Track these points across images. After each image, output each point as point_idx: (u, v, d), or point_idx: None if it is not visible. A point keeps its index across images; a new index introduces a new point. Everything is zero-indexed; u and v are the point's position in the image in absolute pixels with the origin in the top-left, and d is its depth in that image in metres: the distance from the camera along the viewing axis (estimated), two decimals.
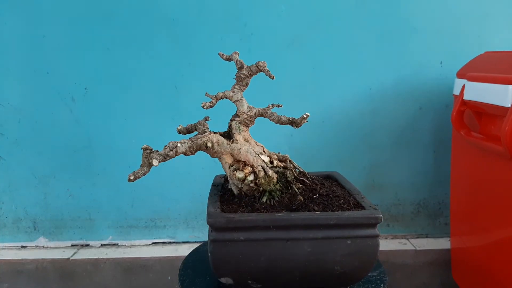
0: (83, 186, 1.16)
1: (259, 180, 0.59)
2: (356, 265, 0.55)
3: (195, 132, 0.65)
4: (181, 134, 0.67)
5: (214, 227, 0.54)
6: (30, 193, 1.16)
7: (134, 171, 0.54)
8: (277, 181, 0.61)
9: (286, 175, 0.62)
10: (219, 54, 0.66)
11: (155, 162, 0.54)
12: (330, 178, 0.74)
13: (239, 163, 0.61)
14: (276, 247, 0.54)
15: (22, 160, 1.14)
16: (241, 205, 0.59)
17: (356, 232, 0.54)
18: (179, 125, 0.67)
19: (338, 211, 0.56)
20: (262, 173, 0.60)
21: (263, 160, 0.61)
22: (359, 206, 0.58)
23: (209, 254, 0.54)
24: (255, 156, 0.61)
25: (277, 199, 0.59)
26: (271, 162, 0.63)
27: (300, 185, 0.62)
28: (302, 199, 0.59)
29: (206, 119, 0.66)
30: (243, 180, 0.60)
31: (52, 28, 1.07)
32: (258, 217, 0.54)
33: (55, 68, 1.09)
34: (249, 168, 0.60)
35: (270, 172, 0.60)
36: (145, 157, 0.55)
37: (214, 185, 0.70)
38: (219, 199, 0.62)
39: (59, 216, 1.17)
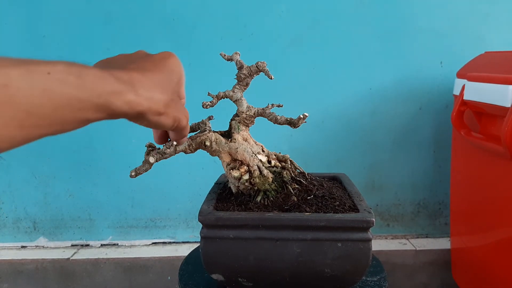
0: (83, 186, 1.16)
1: (253, 180, 0.59)
2: (348, 269, 0.54)
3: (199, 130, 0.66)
4: None
5: (204, 224, 0.55)
6: (30, 193, 1.16)
7: (136, 168, 0.55)
8: (272, 181, 0.60)
9: (283, 175, 0.62)
10: (220, 54, 0.66)
11: (151, 159, 0.56)
12: (335, 179, 0.74)
13: (236, 162, 0.61)
14: (265, 247, 0.54)
15: (22, 160, 1.14)
16: (236, 204, 0.59)
17: (347, 235, 0.53)
18: None
19: (330, 213, 0.56)
20: (257, 172, 0.60)
21: (260, 160, 0.61)
22: (354, 208, 0.58)
23: (200, 250, 0.55)
24: (252, 156, 0.61)
25: (271, 199, 0.59)
26: (269, 162, 0.63)
27: (296, 186, 0.62)
28: (296, 199, 0.59)
29: (210, 118, 0.66)
30: (239, 178, 0.60)
31: (52, 28, 1.07)
32: (247, 216, 0.54)
33: None
34: (245, 167, 0.60)
35: (265, 171, 0.60)
36: (147, 154, 0.57)
37: (217, 183, 0.70)
38: (217, 197, 0.63)
39: (59, 216, 1.18)
